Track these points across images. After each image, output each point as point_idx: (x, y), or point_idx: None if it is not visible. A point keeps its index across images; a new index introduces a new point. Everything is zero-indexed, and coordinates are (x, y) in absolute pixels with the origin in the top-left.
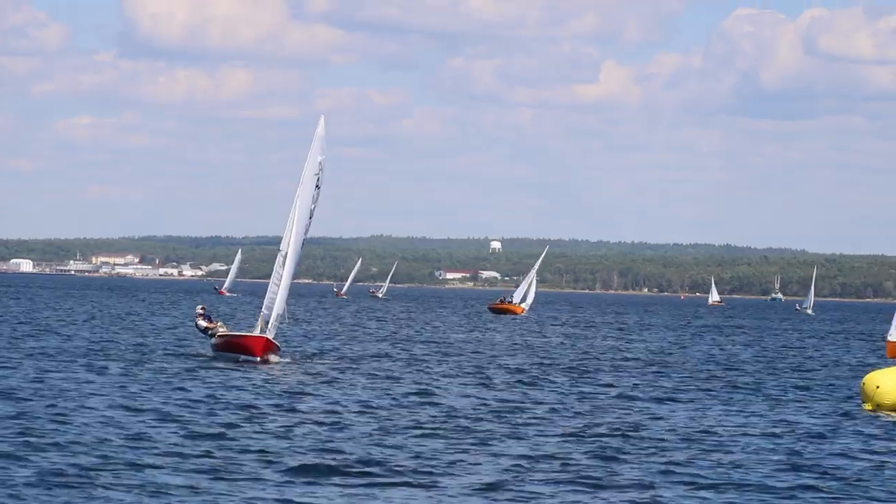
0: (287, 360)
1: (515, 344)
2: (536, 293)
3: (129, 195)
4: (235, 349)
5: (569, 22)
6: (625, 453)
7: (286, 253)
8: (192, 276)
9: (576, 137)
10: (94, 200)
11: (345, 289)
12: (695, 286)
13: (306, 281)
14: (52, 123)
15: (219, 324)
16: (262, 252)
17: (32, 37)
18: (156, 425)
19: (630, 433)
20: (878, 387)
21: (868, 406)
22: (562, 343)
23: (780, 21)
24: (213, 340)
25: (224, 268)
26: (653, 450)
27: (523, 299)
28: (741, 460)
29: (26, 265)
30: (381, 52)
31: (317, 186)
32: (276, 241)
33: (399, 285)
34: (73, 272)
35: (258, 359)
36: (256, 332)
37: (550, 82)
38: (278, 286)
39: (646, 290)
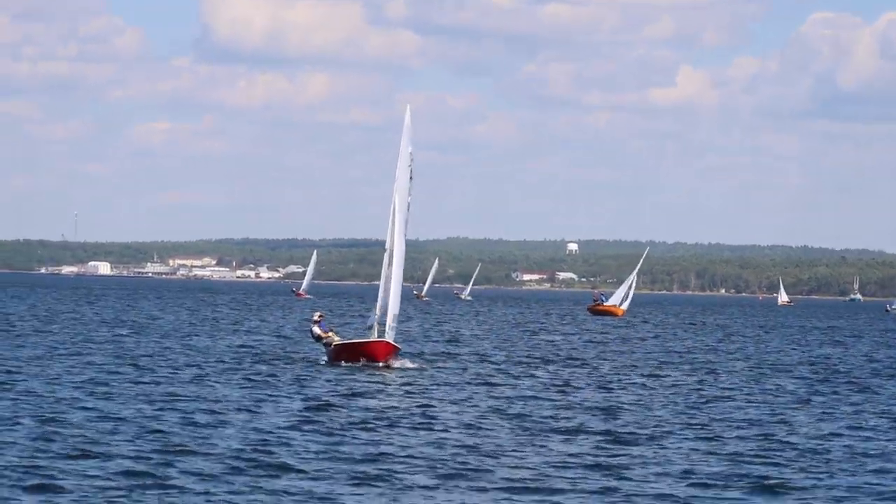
0: (413, 364)
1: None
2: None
3: (206, 199)
4: (357, 355)
5: (644, 26)
6: None
7: (391, 250)
8: (270, 277)
9: (652, 140)
10: (172, 204)
11: (424, 290)
12: (772, 287)
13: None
14: (129, 129)
15: (332, 333)
16: (339, 254)
17: (109, 42)
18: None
19: None
20: None
21: None
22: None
23: (856, 24)
24: (331, 347)
25: (300, 270)
26: None
27: (623, 301)
28: None
29: (104, 268)
30: (456, 56)
31: (410, 178)
32: (352, 244)
33: (476, 287)
34: (150, 274)
35: (380, 364)
36: (374, 336)
37: (626, 86)
38: (387, 287)
39: (723, 290)
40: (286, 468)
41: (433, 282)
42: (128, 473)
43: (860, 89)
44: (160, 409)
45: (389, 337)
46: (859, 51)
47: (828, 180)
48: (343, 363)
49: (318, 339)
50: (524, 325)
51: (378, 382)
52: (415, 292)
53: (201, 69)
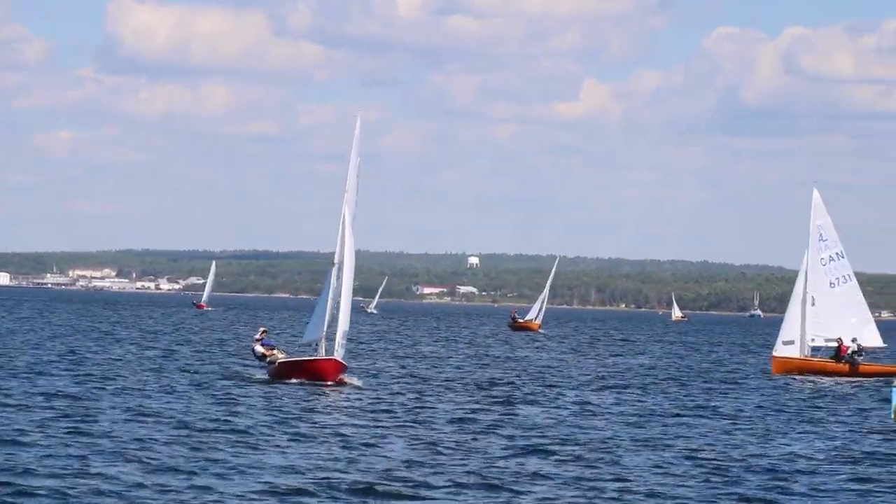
0: (359, 381)
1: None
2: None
3: (106, 209)
4: (304, 373)
5: (550, 39)
6: None
7: (340, 264)
8: (169, 289)
9: (555, 154)
10: (72, 214)
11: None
12: (672, 302)
13: (283, 295)
14: (31, 138)
15: (277, 350)
16: (239, 266)
17: (13, 51)
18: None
19: None
20: None
21: None
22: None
23: (760, 39)
24: (273, 366)
25: (201, 281)
26: None
27: (537, 316)
28: None
29: (3, 278)
30: (362, 69)
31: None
32: (253, 256)
33: (366, 298)
34: (49, 285)
35: (329, 382)
36: (322, 353)
37: (531, 99)
38: (337, 301)
39: (623, 305)
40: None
41: None
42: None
43: (763, 104)
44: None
45: (339, 354)
46: (762, 66)
47: (729, 195)
48: (287, 381)
49: (261, 357)
50: (471, 342)
51: (328, 401)
52: None
53: (105, 79)
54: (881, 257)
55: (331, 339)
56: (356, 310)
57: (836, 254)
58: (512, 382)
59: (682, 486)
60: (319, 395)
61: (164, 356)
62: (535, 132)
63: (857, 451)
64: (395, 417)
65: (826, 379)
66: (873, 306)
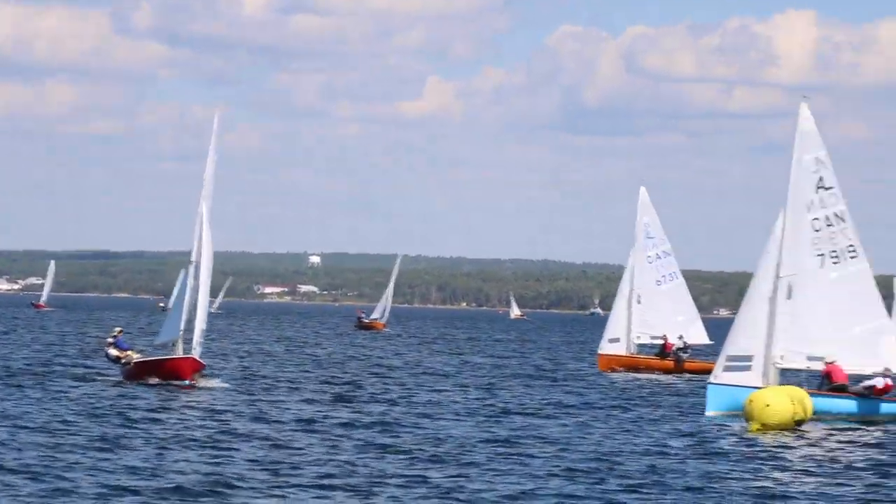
0: (218, 381)
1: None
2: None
3: None
4: (160, 373)
5: (394, 37)
6: None
7: (197, 263)
8: (9, 289)
9: (398, 152)
10: None
11: (171, 302)
12: (510, 301)
13: (123, 295)
14: None
15: (131, 351)
16: (80, 266)
17: None
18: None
19: None
20: (767, 405)
21: (755, 426)
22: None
23: (602, 38)
24: (128, 367)
25: (40, 281)
26: None
27: (382, 315)
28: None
29: None
30: (206, 68)
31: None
32: (93, 255)
33: (217, 299)
34: None
35: (186, 382)
36: (179, 353)
37: (375, 97)
38: (194, 300)
39: (464, 304)
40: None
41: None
42: None
43: (605, 103)
44: None
45: (196, 353)
46: (605, 64)
47: (570, 194)
48: (142, 381)
49: (115, 360)
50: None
51: (183, 400)
52: (160, 304)
53: None
54: (719, 256)
55: (188, 338)
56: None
57: (663, 251)
58: (357, 382)
59: (522, 482)
60: (174, 394)
61: (4, 358)
62: (378, 131)
63: (671, 445)
64: (248, 417)
65: (652, 375)
66: (713, 304)
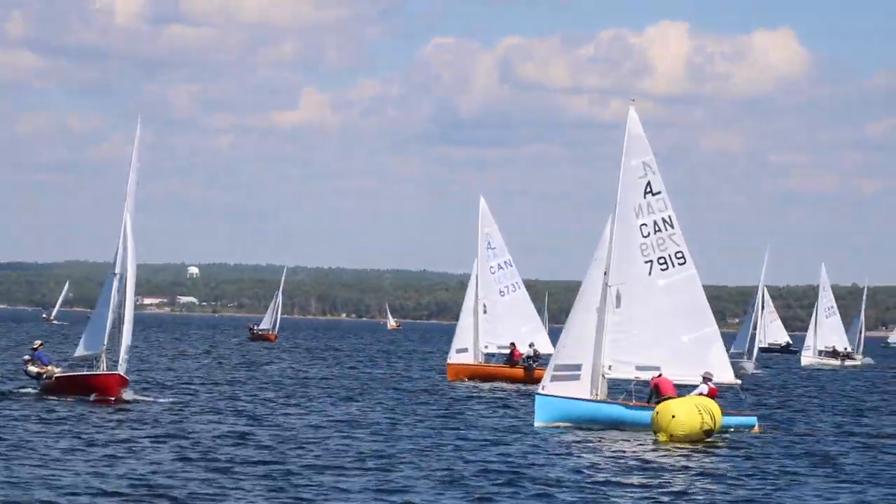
0: (143, 396)
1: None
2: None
3: None
4: (84, 389)
5: (268, 48)
6: None
7: (122, 275)
8: None
9: (274, 162)
10: None
11: (53, 314)
12: (393, 311)
13: (2, 306)
14: None
15: (52, 366)
16: None
17: None
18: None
19: None
20: (673, 416)
21: (663, 437)
22: None
23: (476, 49)
24: (49, 381)
25: None
26: None
27: (273, 326)
28: None
29: None
30: (79, 78)
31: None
32: None
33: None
34: None
35: (112, 399)
36: (103, 368)
37: (249, 108)
38: (117, 313)
39: (343, 315)
40: None
41: (62, 305)
42: None
43: (479, 114)
44: None
45: (122, 369)
46: (479, 76)
47: (447, 205)
48: (62, 397)
49: (36, 377)
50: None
51: (102, 415)
52: (44, 315)
53: None
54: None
55: (111, 352)
56: (84, 322)
57: (505, 262)
58: (260, 394)
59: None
60: (95, 409)
61: None
62: (253, 141)
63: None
64: (170, 429)
65: (498, 384)
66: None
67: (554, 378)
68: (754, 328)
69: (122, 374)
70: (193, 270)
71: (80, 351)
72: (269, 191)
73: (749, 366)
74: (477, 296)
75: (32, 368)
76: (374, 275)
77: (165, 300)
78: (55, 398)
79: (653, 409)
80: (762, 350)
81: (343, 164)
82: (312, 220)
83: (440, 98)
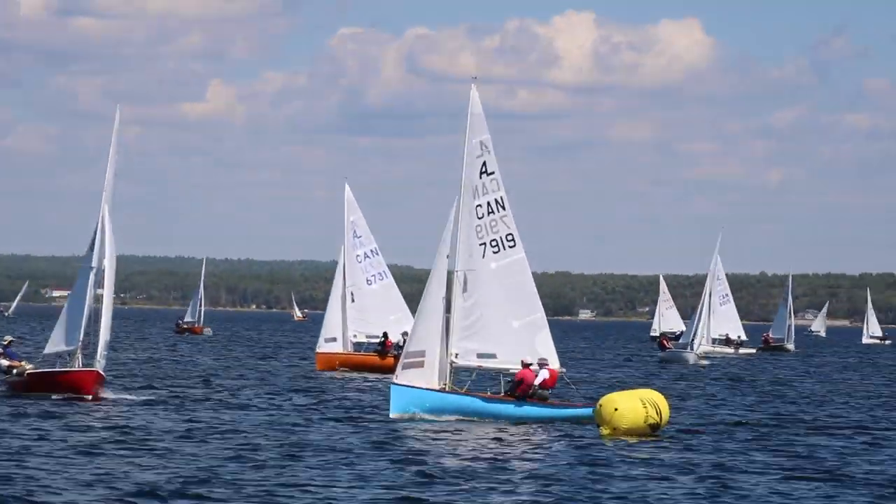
0: (122, 394)
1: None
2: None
3: None
4: (57, 386)
5: (174, 40)
6: None
7: (99, 269)
8: None
9: (181, 154)
10: None
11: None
12: (302, 302)
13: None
14: None
15: (24, 362)
16: None
17: None
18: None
19: None
20: (616, 409)
21: (605, 430)
22: None
23: (384, 39)
24: (19, 378)
25: None
26: None
27: (198, 319)
28: None
29: None
30: None
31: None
32: None
33: (3, 303)
34: None
35: (89, 396)
36: (78, 365)
37: (156, 100)
38: (92, 308)
39: (254, 306)
40: None
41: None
42: None
43: (387, 104)
44: None
45: (101, 366)
46: (387, 65)
47: (356, 195)
48: (33, 395)
49: (7, 371)
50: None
51: (81, 414)
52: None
53: None
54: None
55: (86, 349)
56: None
57: (371, 251)
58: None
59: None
60: (74, 408)
61: None
62: (160, 134)
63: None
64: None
65: (366, 374)
66: None
67: (405, 366)
68: (699, 320)
69: (100, 370)
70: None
71: (52, 347)
72: (175, 182)
73: (690, 357)
74: (344, 284)
75: (3, 362)
76: (284, 265)
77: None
78: (25, 396)
79: (509, 402)
80: (653, 339)
81: (251, 156)
82: (220, 211)
83: (347, 89)
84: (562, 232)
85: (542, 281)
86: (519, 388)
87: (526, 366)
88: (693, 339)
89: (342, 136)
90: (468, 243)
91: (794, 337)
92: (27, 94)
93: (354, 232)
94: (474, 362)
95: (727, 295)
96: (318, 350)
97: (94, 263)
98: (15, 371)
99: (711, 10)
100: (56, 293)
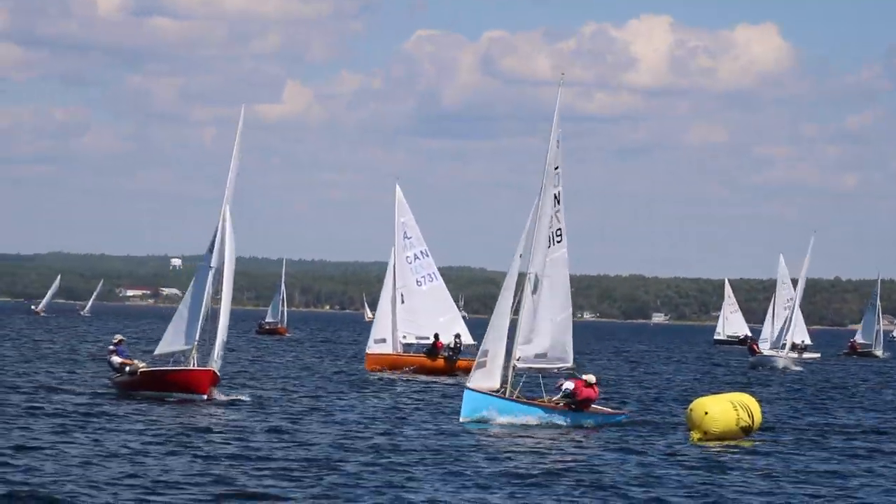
0: (238, 395)
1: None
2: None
3: None
4: (172, 386)
5: (251, 41)
6: None
7: (218, 269)
8: None
9: (259, 155)
10: None
11: (41, 306)
12: (375, 303)
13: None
14: None
15: (137, 360)
16: None
17: None
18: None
19: None
20: (706, 413)
21: (696, 435)
22: None
23: (460, 42)
24: (132, 377)
25: None
26: None
27: (281, 319)
28: None
29: None
30: (61, 69)
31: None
32: None
33: (79, 302)
34: None
35: (203, 397)
36: (194, 365)
37: (233, 101)
38: (210, 308)
39: (328, 307)
40: None
41: (52, 297)
42: None
43: (463, 107)
44: None
45: (217, 366)
46: (462, 68)
47: (426, 198)
48: (145, 393)
49: (119, 368)
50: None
51: (212, 416)
52: (33, 307)
53: None
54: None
55: (203, 349)
56: (73, 312)
57: (421, 252)
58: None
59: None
60: (197, 409)
61: None
62: (234, 134)
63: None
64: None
65: (422, 376)
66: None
67: (477, 366)
68: (789, 323)
69: (216, 370)
70: (176, 262)
71: (165, 347)
72: (251, 182)
73: (781, 362)
74: (395, 286)
75: (116, 359)
76: (358, 267)
77: (149, 292)
78: (139, 395)
79: (567, 412)
80: (717, 342)
81: (327, 157)
82: (295, 211)
83: (423, 91)
84: (636, 234)
85: (615, 284)
86: (584, 405)
87: (577, 378)
88: (784, 344)
89: (418, 137)
90: (541, 242)
91: (882, 342)
92: (104, 93)
93: (405, 233)
94: (534, 364)
95: (792, 299)
96: (367, 351)
97: (214, 263)
98: (128, 369)
99: (789, 16)
100: (130, 292)
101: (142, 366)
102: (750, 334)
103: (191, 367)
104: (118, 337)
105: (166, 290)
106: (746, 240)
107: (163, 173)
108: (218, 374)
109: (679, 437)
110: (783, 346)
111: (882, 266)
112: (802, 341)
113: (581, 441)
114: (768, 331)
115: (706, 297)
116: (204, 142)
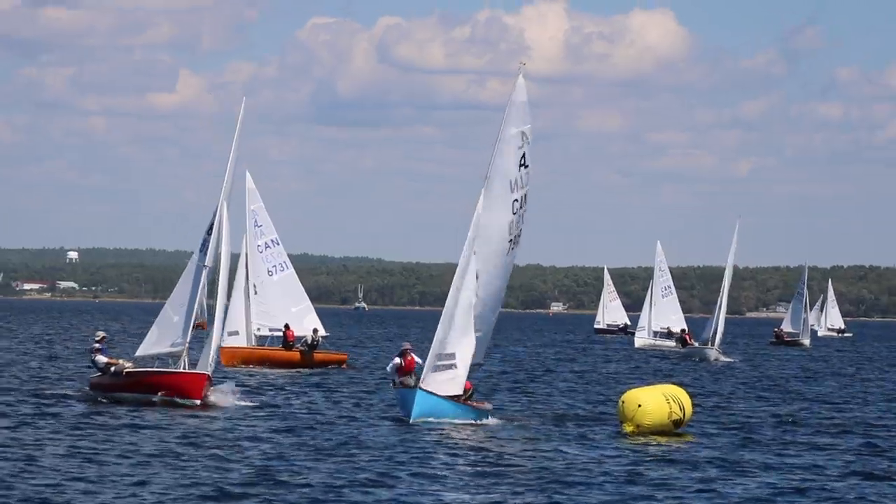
0: (239, 399)
1: None
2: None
3: None
4: (162, 389)
5: (142, 31)
6: None
7: (213, 268)
8: None
9: (150, 145)
10: None
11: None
12: None
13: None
14: None
15: (122, 360)
16: None
17: None
18: None
19: None
20: (639, 406)
21: (629, 427)
22: None
23: (355, 29)
24: (110, 379)
25: None
26: None
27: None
28: None
29: None
30: None
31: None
32: None
33: None
34: None
35: (198, 401)
36: (184, 367)
37: (124, 91)
38: (202, 307)
39: None
40: None
41: None
42: None
43: (358, 94)
44: None
45: (211, 369)
46: (357, 56)
47: (326, 186)
48: (129, 395)
49: (104, 368)
50: None
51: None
52: None
53: None
54: None
55: (193, 350)
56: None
57: (272, 240)
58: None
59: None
60: (198, 411)
61: None
62: (128, 124)
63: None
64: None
65: (274, 370)
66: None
67: (435, 369)
68: (718, 315)
69: (210, 374)
70: (73, 255)
71: (150, 348)
72: (145, 173)
73: (712, 353)
74: (247, 276)
75: (102, 358)
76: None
77: (45, 285)
78: (121, 397)
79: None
80: (598, 331)
81: (220, 147)
82: (189, 201)
83: (318, 79)
84: (533, 224)
85: (513, 274)
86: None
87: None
88: (714, 336)
89: (313, 125)
90: (495, 238)
91: (809, 332)
92: None
93: (255, 221)
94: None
95: (669, 287)
96: (222, 345)
97: (209, 262)
98: (113, 369)
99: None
100: (27, 286)
101: (128, 366)
102: (629, 322)
103: (183, 370)
104: (101, 334)
105: (63, 284)
106: (638, 227)
107: (55, 163)
108: (212, 377)
109: (610, 430)
110: (713, 338)
111: (778, 254)
112: (682, 330)
113: (495, 434)
114: (646, 319)
115: (602, 285)
116: (95, 131)
